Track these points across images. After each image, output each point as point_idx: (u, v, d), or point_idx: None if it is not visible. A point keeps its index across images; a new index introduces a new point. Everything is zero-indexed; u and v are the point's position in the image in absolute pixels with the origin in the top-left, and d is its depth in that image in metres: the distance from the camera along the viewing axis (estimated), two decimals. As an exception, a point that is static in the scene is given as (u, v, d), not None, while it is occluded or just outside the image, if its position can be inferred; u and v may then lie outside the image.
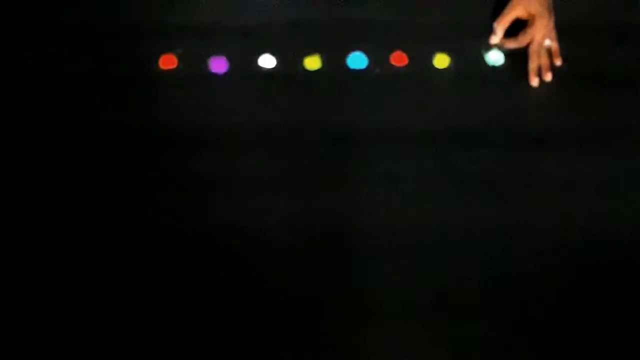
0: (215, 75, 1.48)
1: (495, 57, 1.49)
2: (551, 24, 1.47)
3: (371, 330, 1.29)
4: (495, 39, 1.49)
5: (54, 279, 1.31)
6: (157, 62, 1.49)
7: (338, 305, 1.30)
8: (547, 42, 1.47)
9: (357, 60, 1.49)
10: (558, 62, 1.48)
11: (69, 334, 1.27)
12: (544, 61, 1.47)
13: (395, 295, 1.31)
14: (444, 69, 1.49)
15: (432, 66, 1.49)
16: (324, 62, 1.49)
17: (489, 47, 1.50)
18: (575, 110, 1.46)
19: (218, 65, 1.48)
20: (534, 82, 1.46)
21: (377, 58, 1.49)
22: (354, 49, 1.49)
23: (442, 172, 1.40)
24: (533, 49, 1.47)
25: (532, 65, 1.47)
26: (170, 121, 1.44)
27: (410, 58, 1.49)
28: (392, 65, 1.49)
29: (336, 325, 1.29)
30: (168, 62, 1.48)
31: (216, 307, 1.30)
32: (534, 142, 1.43)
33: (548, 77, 1.47)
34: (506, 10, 1.48)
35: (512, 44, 1.49)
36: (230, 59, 1.49)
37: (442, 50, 1.49)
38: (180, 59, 1.49)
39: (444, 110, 1.46)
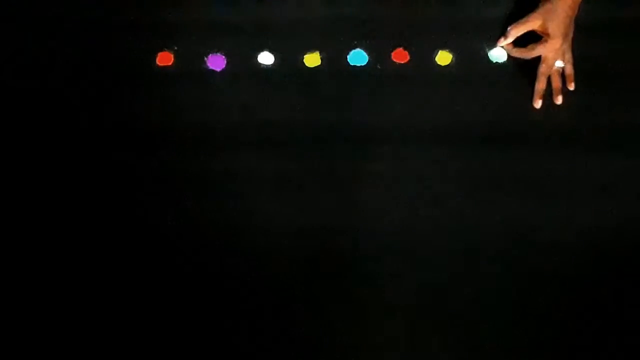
0: (212, 72, 1.46)
1: (498, 54, 1.48)
2: (564, 47, 1.44)
3: (371, 330, 1.30)
4: (503, 41, 1.46)
5: (55, 279, 1.32)
6: (154, 59, 1.47)
7: (338, 304, 1.31)
8: (558, 64, 1.45)
9: (358, 57, 1.47)
10: (571, 86, 1.45)
11: (70, 334, 1.29)
12: (555, 84, 1.44)
13: (396, 295, 1.31)
14: (446, 66, 1.47)
15: (434, 63, 1.47)
16: (323, 59, 1.47)
17: (491, 44, 1.48)
18: (578, 108, 1.45)
19: (216, 62, 1.47)
20: (537, 104, 1.43)
21: (378, 55, 1.47)
22: (354, 46, 1.48)
23: (444, 170, 1.39)
24: (542, 70, 1.44)
25: (539, 87, 1.44)
26: (168, 119, 1.43)
27: (412, 55, 1.47)
28: (394, 63, 1.47)
29: (336, 325, 1.30)
30: (165, 59, 1.47)
31: (216, 306, 1.30)
32: (536, 140, 1.42)
33: (558, 100, 1.44)
34: (525, 19, 1.44)
35: (516, 53, 1.46)
36: (228, 56, 1.47)
37: (444, 47, 1.48)
38: (177, 56, 1.47)
39: (446, 107, 1.44)
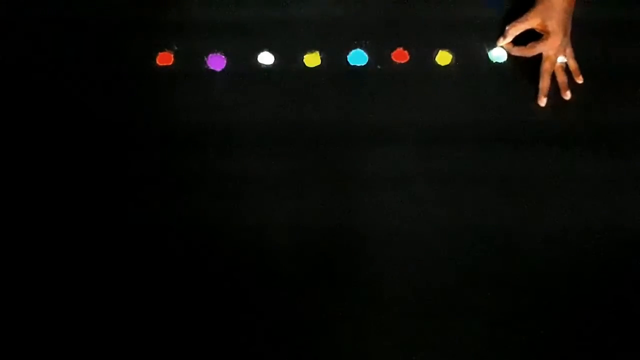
0: (212, 72, 1.46)
1: (498, 54, 1.47)
2: (565, 42, 1.43)
3: (371, 330, 1.29)
4: (503, 41, 1.46)
5: (54, 278, 1.32)
6: (154, 59, 1.47)
7: (338, 304, 1.30)
8: (561, 59, 1.44)
9: (358, 57, 1.47)
10: (579, 80, 1.45)
11: (70, 333, 1.28)
12: (561, 79, 1.44)
13: (396, 295, 1.31)
14: (446, 66, 1.47)
15: (434, 63, 1.47)
16: (323, 59, 1.47)
17: (491, 44, 1.48)
18: (578, 108, 1.44)
19: (216, 62, 1.47)
20: (542, 102, 1.43)
21: (378, 55, 1.47)
22: (354, 46, 1.47)
23: (444, 169, 1.39)
24: (545, 67, 1.43)
25: (543, 85, 1.43)
26: (167, 119, 1.43)
27: (412, 55, 1.47)
28: (394, 62, 1.47)
29: (336, 325, 1.29)
30: (165, 59, 1.47)
31: (215, 306, 1.30)
32: (536, 140, 1.41)
33: (567, 95, 1.44)
34: (523, 17, 1.44)
35: (517, 52, 1.46)
36: (228, 56, 1.47)
37: (444, 47, 1.48)
38: (177, 56, 1.47)
39: (446, 107, 1.44)
